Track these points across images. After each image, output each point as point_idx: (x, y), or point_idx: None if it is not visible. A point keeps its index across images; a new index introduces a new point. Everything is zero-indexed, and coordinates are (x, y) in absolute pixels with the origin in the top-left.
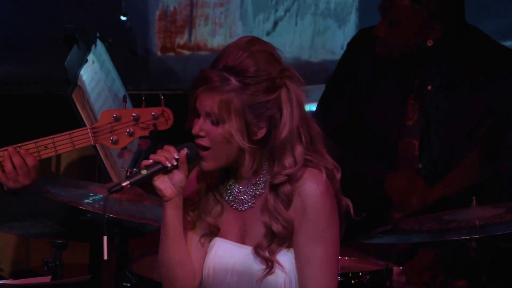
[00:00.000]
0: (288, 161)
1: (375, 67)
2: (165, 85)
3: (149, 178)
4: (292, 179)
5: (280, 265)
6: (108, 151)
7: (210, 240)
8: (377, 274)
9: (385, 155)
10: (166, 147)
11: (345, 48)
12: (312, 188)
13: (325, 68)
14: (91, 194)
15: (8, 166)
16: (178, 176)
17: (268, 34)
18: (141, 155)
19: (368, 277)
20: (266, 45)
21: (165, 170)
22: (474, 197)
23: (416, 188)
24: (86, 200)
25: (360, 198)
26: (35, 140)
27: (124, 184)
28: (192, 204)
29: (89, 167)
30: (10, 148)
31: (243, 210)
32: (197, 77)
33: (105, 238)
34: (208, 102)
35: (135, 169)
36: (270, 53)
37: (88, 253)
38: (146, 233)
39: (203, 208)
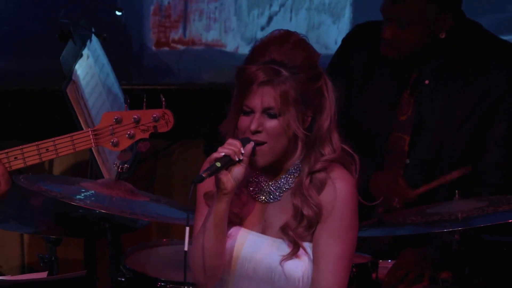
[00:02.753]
0: (327, 149)
1: (369, 62)
2: (159, 80)
3: (220, 170)
4: (328, 165)
5: (306, 252)
6: (101, 148)
7: (229, 228)
8: (363, 267)
9: (374, 149)
10: (231, 140)
11: (339, 43)
12: (345, 187)
13: (319, 62)
14: (83, 190)
15: None
16: (240, 170)
17: (262, 29)
18: (137, 154)
19: (354, 270)
20: (301, 35)
21: (232, 163)
22: (457, 190)
23: (398, 189)
24: (78, 196)
25: None
26: (36, 143)
27: (204, 175)
28: (211, 196)
29: (81, 163)
30: None
31: (267, 202)
32: (245, 75)
33: (187, 228)
34: (266, 96)
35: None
36: (307, 42)
37: (82, 248)
38: (137, 228)
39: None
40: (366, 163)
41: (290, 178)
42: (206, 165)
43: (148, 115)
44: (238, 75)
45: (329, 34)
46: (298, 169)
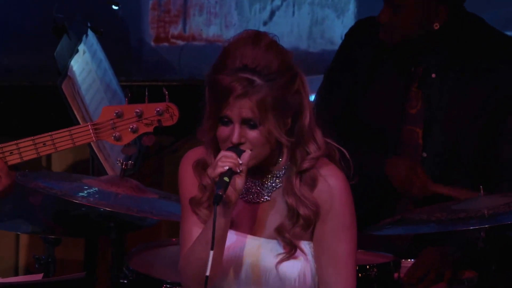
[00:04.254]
0: (312, 147)
1: (374, 57)
2: (158, 76)
3: (229, 185)
4: (316, 163)
5: (304, 252)
6: (101, 144)
7: None
8: (385, 266)
9: (386, 144)
10: (226, 153)
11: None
12: (339, 184)
13: (324, 58)
14: (86, 187)
15: None
16: (241, 180)
17: (265, 24)
18: (142, 149)
19: (375, 270)
20: (271, 36)
21: (232, 175)
22: (481, 186)
23: (416, 178)
24: (81, 194)
25: (363, 189)
26: (32, 137)
27: (220, 193)
28: (200, 203)
29: (81, 161)
30: None
31: (256, 203)
32: (219, 87)
33: (211, 253)
34: (244, 108)
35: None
36: (278, 43)
37: (82, 248)
38: (144, 226)
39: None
40: (380, 157)
41: (277, 178)
42: (193, 173)
43: (151, 109)
44: (211, 85)
45: (334, 29)
46: (284, 168)
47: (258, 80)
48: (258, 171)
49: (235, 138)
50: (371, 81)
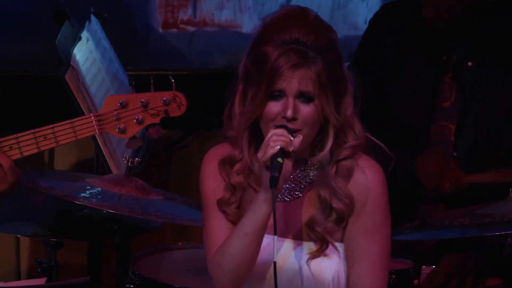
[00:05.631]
0: (350, 136)
1: (401, 45)
2: (167, 65)
3: (283, 166)
4: (354, 153)
5: (337, 250)
6: (107, 138)
7: None
8: (404, 273)
9: (414, 141)
10: (276, 131)
11: (368, 23)
12: (377, 178)
13: (347, 45)
14: (88, 187)
15: None
16: (287, 165)
17: (282, 6)
18: (150, 144)
19: (394, 276)
20: (315, 12)
21: (285, 155)
22: (510, 189)
23: (449, 171)
24: (83, 194)
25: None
26: (32, 130)
27: (277, 174)
28: (229, 203)
29: (86, 156)
30: None
31: (287, 201)
32: (271, 58)
33: (275, 237)
34: (303, 80)
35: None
36: (323, 20)
37: (86, 252)
38: (149, 230)
39: (243, 202)
40: (408, 156)
41: (310, 170)
42: (218, 172)
43: (157, 98)
44: (257, 59)
45: (358, 13)
46: (319, 156)
47: (311, 53)
48: (293, 164)
49: (289, 112)
50: (398, 71)
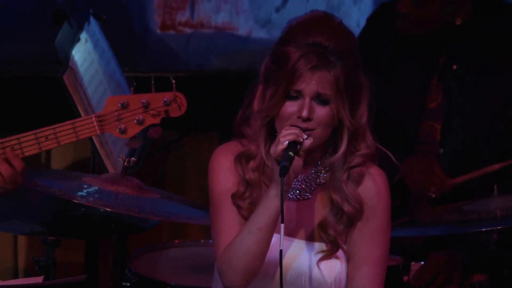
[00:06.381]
0: (362, 144)
1: (396, 46)
2: (165, 67)
3: (293, 160)
4: (365, 161)
5: (345, 252)
6: (104, 139)
7: None
8: (394, 270)
9: (403, 140)
10: (287, 127)
11: (361, 25)
12: (385, 185)
13: None
14: (85, 186)
15: None
16: (298, 162)
17: (277, 10)
18: (146, 144)
19: None
20: (338, 18)
21: (297, 152)
22: (495, 185)
23: (435, 177)
24: (80, 193)
25: None
26: (34, 131)
27: (287, 164)
28: (243, 198)
29: (83, 156)
30: None
31: (298, 200)
32: (292, 58)
33: (282, 226)
34: (322, 82)
35: (280, 153)
36: (346, 26)
37: (83, 250)
38: (146, 228)
39: (256, 199)
40: (396, 156)
41: (321, 172)
42: (233, 166)
43: (158, 99)
44: (279, 58)
45: (350, 16)
46: (331, 159)
47: (331, 57)
48: (304, 165)
49: (305, 112)
50: (392, 72)
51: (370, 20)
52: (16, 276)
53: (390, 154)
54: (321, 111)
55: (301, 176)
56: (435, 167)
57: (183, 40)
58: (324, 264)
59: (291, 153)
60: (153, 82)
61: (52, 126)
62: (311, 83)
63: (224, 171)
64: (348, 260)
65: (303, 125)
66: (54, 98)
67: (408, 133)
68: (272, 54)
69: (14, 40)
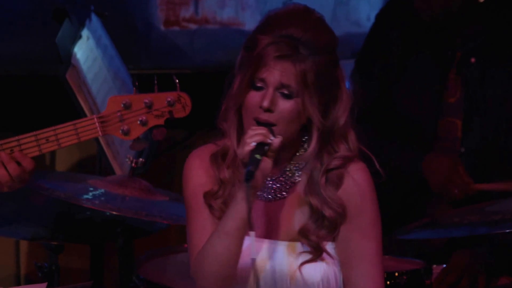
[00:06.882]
0: (342, 147)
1: (408, 40)
2: (169, 64)
3: (260, 162)
4: (346, 163)
5: (330, 256)
6: (110, 139)
7: None
8: (415, 273)
9: (422, 138)
10: (254, 127)
11: (372, 19)
12: (364, 178)
13: (349, 42)
14: (91, 189)
15: (3, 174)
16: (267, 163)
17: (284, 4)
18: (153, 144)
19: (405, 277)
20: (320, 14)
21: (265, 153)
22: None
23: (458, 178)
24: (86, 196)
25: (394, 188)
26: (35, 132)
27: (252, 169)
28: (216, 197)
29: (88, 157)
30: (3, 154)
31: (271, 201)
32: (260, 45)
33: (252, 233)
34: (285, 73)
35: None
36: (327, 23)
37: (87, 256)
38: (154, 232)
39: (229, 198)
40: (415, 154)
41: (295, 171)
42: (208, 168)
43: (161, 99)
44: (249, 45)
45: (360, 10)
46: (306, 158)
47: (302, 50)
48: (276, 164)
49: (266, 102)
50: (405, 68)
51: (379, 16)
52: (18, 283)
53: (374, 159)
54: (284, 104)
55: (275, 175)
56: (459, 168)
57: (188, 36)
58: (308, 266)
59: (257, 155)
60: (156, 82)
61: (52, 128)
62: (274, 72)
63: (197, 173)
64: (341, 261)
65: (264, 116)
66: (54, 97)
67: (426, 130)
68: (246, 41)
69: (13, 38)
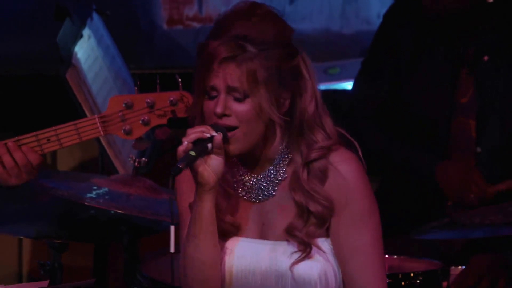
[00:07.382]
0: (319, 135)
1: (418, 38)
2: (172, 63)
3: (196, 160)
4: (326, 153)
5: (322, 251)
6: (112, 139)
7: (225, 241)
8: (432, 274)
9: (435, 139)
10: (194, 127)
11: (381, 17)
12: (352, 168)
13: (359, 40)
14: (95, 187)
15: (9, 161)
16: (217, 161)
17: (291, 1)
18: (156, 143)
19: (421, 278)
20: (270, 7)
21: (206, 151)
22: None
23: (473, 183)
24: (89, 195)
25: (410, 190)
26: (35, 133)
27: (181, 166)
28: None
29: (90, 157)
30: (10, 143)
31: (261, 201)
32: (206, 51)
33: (172, 227)
34: (230, 75)
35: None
36: (277, 15)
37: (91, 254)
38: (159, 230)
39: (216, 206)
40: (429, 156)
41: (280, 167)
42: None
43: (163, 99)
44: (199, 52)
45: (370, 7)
46: (286, 156)
47: (250, 48)
48: (254, 162)
49: (218, 108)
50: (415, 67)
51: (387, 15)
52: (20, 281)
53: (357, 145)
54: (238, 107)
55: (260, 175)
56: (474, 174)
57: (192, 35)
58: (304, 264)
59: (192, 152)
60: (158, 81)
61: (53, 128)
62: (220, 77)
63: (183, 183)
64: (336, 255)
65: (223, 122)
66: (55, 97)
67: (439, 131)
68: (196, 48)
69: (13, 38)
